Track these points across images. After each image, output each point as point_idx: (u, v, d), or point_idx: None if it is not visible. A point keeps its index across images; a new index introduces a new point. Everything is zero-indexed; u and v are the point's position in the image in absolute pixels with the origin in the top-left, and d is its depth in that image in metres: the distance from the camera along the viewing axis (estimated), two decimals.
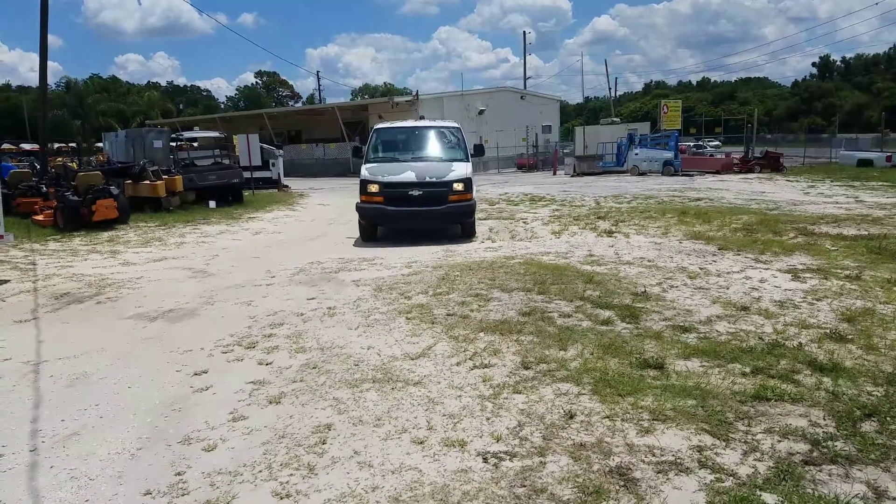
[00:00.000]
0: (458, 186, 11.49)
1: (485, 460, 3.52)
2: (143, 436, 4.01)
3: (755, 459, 3.43)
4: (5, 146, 29.44)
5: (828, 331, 5.54)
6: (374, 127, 13.70)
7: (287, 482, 3.38)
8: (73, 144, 32.24)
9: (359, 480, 3.37)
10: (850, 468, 3.31)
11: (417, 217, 11.60)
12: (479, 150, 13.08)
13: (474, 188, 12.20)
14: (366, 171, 11.93)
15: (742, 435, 3.69)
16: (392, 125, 14.13)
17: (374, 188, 11.58)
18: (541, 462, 3.47)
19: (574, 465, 3.43)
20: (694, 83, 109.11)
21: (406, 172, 11.66)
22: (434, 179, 11.49)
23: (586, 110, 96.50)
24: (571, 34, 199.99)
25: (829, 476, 3.25)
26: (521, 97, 46.66)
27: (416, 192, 11.39)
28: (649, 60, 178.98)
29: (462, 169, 11.82)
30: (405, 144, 13.02)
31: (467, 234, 12.07)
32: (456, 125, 13.53)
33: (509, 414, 4.10)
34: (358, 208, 11.92)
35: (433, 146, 12.88)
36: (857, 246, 9.50)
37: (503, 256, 9.72)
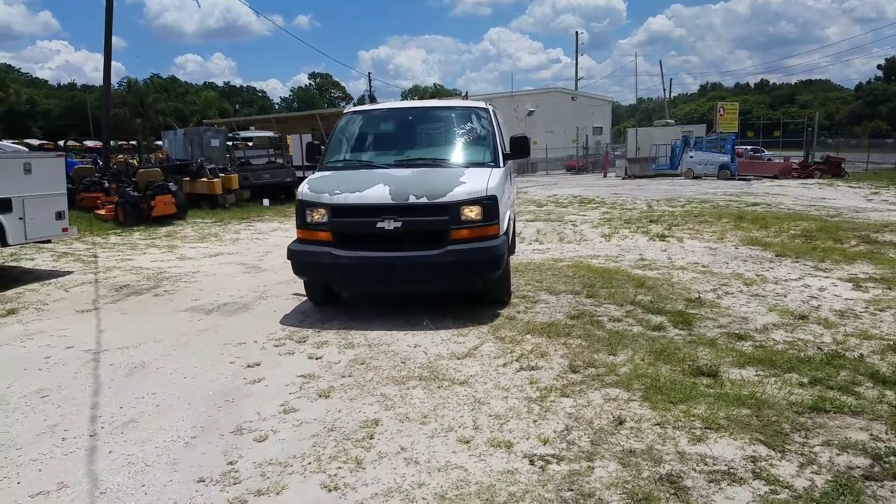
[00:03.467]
0: (470, 212, 6.29)
1: (531, 462, 3.50)
2: (198, 425, 4.12)
3: (812, 472, 3.32)
4: (70, 143, 30.65)
5: (891, 342, 5.33)
6: (345, 110, 8.91)
7: (335, 475, 3.43)
8: (134, 142, 33.33)
9: (405, 476, 3.39)
10: None
11: (392, 271, 6.33)
12: (521, 146, 7.60)
13: (509, 208, 7.75)
14: (306, 187, 6.76)
15: (799, 447, 3.58)
16: (373, 107, 8.90)
17: (317, 215, 6.53)
18: (589, 467, 3.43)
19: (623, 471, 3.38)
20: (752, 85, 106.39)
21: (375, 187, 6.46)
22: (423, 200, 6.27)
23: (639, 112, 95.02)
24: (625, 34, 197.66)
25: (892, 492, 3.12)
26: (572, 98, 46.31)
27: (389, 224, 6.23)
28: (705, 62, 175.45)
29: (480, 179, 6.51)
30: (392, 139, 8.12)
31: (495, 296, 6.96)
32: (484, 106, 8.21)
33: (556, 417, 4.06)
34: (289, 253, 6.72)
35: (437, 140, 7.93)
36: None
37: (551, 258, 9.64)
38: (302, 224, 6.68)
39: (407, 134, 8.01)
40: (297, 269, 6.78)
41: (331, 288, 7.17)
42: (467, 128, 7.83)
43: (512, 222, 8.31)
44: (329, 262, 6.37)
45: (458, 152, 7.59)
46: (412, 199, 6.28)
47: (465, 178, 6.57)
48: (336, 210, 6.42)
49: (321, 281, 6.97)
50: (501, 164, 7.24)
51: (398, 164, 7.23)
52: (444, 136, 7.93)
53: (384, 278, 6.53)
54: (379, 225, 6.25)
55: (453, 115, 8.12)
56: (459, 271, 6.37)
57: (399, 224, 6.23)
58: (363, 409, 4.27)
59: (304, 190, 6.73)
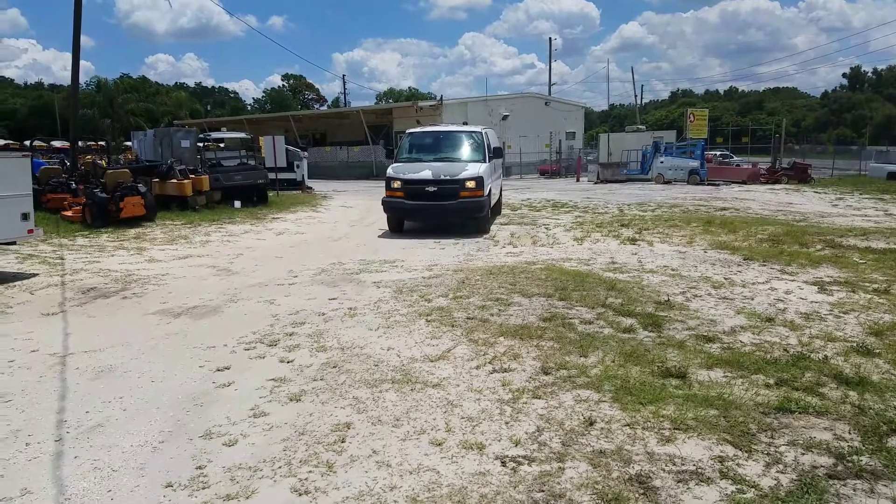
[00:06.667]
0: (470, 184, 12.83)
1: (503, 464, 3.52)
2: (166, 429, 4.07)
3: (778, 472, 3.38)
4: (36, 143, 30.03)
5: (854, 344, 5.45)
6: (407, 131, 15.93)
7: (306, 479, 3.40)
8: (103, 143, 32.74)
9: (377, 480, 3.38)
10: (876, 483, 3.25)
11: (432, 210, 13.21)
12: (498, 151, 14.92)
13: (488, 187, 13.40)
14: (391, 169, 13.75)
15: (765, 446, 3.64)
16: (422, 129, 16.20)
17: (396, 184, 13.29)
18: (559, 468, 3.46)
19: (593, 471, 3.41)
20: (721, 92, 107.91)
21: (424, 171, 13.24)
22: (448, 177, 12.94)
23: (611, 117, 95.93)
24: (598, 41, 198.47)
25: (854, 491, 3.19)
26: (546, 103, 46.55)
27: (431, 189, 12.95)
28: (676, 68, 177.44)
29: (475, 168, 13.19)
30: (431, 147, 14.63)
31: (479, 229, 13.26)
32: (479, 130, 14.95)
33: (528, 419, 4.08)
34: (383, 202, 13.69)
35: (455, 148, 14.36)
36: (886, 259, 9.33)
37: (524, 262, 9.70)
38: (388, 188, 13.48)
39: (439, 144, 14.71)
40: (387, 210, 13.67)
41: (402, 222, 13.91)
42: (470, 141, 14.42)
43: (497, 195, 15.81)
44: (403, 206, 13.37)
45: (465, 154, 14.09)
46: (443, 177, 13.00)
47: (468, 167, 13.31)
48: (405, 181, 13.20)
49: (398, 217, 13.78)
50: (488, 161, 13.78)
51: (435, 160, 13.77)
52: (459, 145, 14.46)
53: (429, 214, 13.51)
54: (426, 189, 13.01)
55: (463, 134, 14.93)
56: (464, 212, 13.06)
57: (436, 188, 12.95)
58: (335, 413, 4.24)
59: (389, 171, 13.72)
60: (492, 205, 14.42)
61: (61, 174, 18.93)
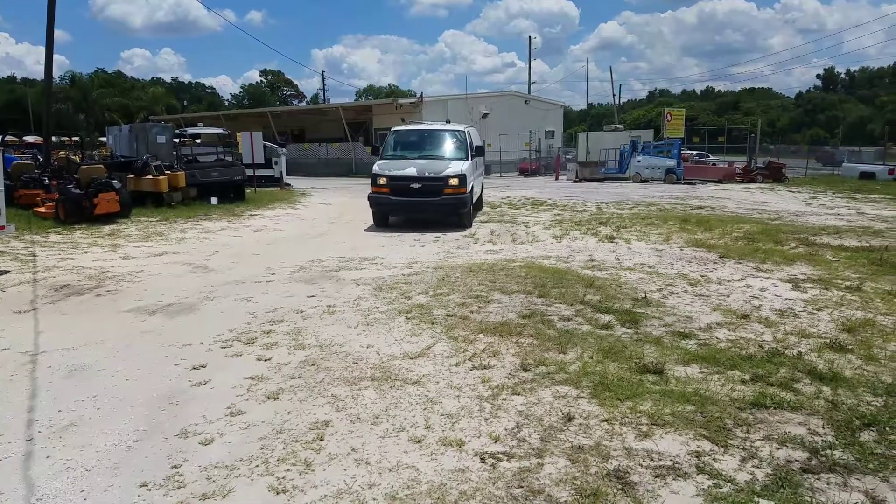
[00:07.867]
0: (453, 181, 13.32)
1: (482, 460, 3.52)
2: (140, 428, 4.01)
3: (753, 466, 3.42)
4: (8, 138, 29.47)
5: (828, 340, 5.54)
6: (391, 128, 16.05)
7: (284, 477, 3.37)
8: (77, 138, 32.22)
9: (356, 477, 3.37)
10: (849, 477, 3.30)
11: (417, 206, 13.60)
12: (479, 150, 15.11)
13: (471, 184, 13.91)
14: (377, 166, 14.07)
15: (740, 441, 3.69)
16: (406, 127, 16.26)
17: (382, 181, 13.65)
18: (538, 463, 3.47)
19: (572, 467, 3.42)
20: (698, 92, 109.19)
21: (409, 168, 13.61)
22: (432, 174, 13.36)
23: (590, 116, 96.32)
24: (577, 40, 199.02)
25: (828, 484, 3.24)
26: (526, 102, 46.66)
27: (416, 185, 13.34)
28: (654, 68, 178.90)
29: (458, 166, 13.64)
30: (415, 144, 14.90)
31: (461, 224, 13.73)
32: (462, 128, 15.29)
33: (507, 415, 4.09)
34: (369, 197, 13.96)
35: (438, 146, 14.65)
36: (858, 257, 9.49)
37: (504, 259, 9.72)
38: (374, 184, 13.77)
39: (423, 141, 14.95)
40: (373, 205, 13.92)
41: (387, 217, 14.17)
42: (453, 140, 14.75)
43: (478, 192, 16.26)
44: (388, 202, 13.66)
45: (448, 152, 14.40)
46: (427, 174, 13.36)
47: (451, 165, 13.70)
48: (391, 178, 13.54)
49: (384, 212, 14.03)
50: (470, 159, 14.22)
51: (419, 157, 14.05)
52: (442, 143, 14.74)
53: (413, 210, 13.79)
54: (411, 185, 13.33)
55: (447, 132, 15.11)
56: (447, 208, 13.47)
57: (420, 185, 13.30)
58: (313, 411, 4.21)
59: (375, 168, 14.03)
60: (473, 201, 14.67)
61: (34, 170, 18.56)
